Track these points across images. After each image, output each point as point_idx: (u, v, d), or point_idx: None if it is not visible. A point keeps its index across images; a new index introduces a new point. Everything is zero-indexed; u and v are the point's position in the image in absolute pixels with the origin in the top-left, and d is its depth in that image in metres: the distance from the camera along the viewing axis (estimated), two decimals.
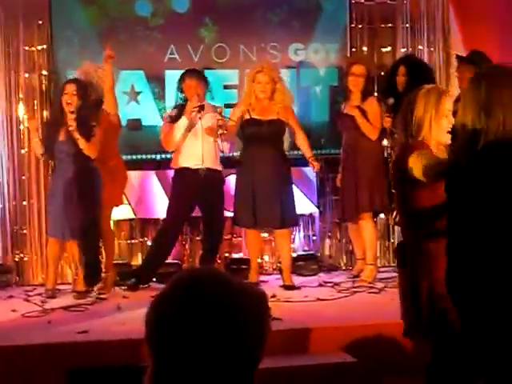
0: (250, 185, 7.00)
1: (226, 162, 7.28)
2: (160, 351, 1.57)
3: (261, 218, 7.00)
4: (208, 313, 1.55)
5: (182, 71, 7.26)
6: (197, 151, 7.00)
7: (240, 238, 7.94)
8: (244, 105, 7.12)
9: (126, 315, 6.05)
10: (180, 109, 7.09)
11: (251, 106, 7.06)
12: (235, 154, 7.31)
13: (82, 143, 6.60)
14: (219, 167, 7.18)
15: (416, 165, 3.96)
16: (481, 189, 3.31)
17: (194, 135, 7.03)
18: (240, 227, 7.52)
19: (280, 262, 7.44)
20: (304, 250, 8.08)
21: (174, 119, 7.06)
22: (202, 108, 6.99)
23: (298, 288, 7.04)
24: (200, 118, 7.00)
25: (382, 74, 7.95)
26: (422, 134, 4.12)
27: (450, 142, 4.12)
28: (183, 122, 7.03)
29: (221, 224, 7.33)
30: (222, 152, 7.05)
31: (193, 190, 7.02)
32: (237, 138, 7.23)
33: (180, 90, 7.16)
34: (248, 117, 7.06)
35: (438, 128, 4.13)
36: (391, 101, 7.13)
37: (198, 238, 7.82)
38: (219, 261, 7.77)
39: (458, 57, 7.08)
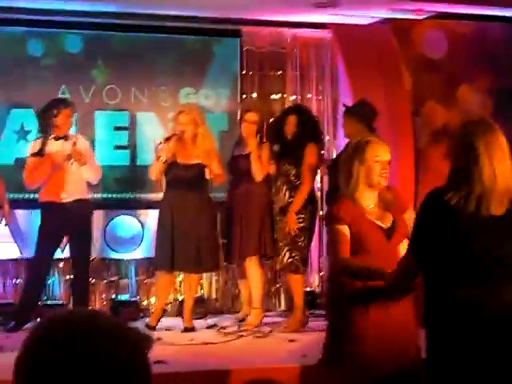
0: (169, 228, 6.97)
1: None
2: None
3: (178, 261, 6.97)
4: (72, 359, 1.49)
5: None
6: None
7: (127, 280, 7.90)
8: (168, 147, 6.98)
9: (8, 357, 5.90)
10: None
11: (174, 148, 6.99)
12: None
13: None
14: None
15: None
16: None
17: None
18: (156, 270, 7.41)
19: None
20: None
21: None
22: None
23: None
24: None
25: (271, 120, 8.05)
26: (350, 188, 4.16)
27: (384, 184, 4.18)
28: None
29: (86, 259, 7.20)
30: None
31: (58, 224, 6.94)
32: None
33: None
34: (170, 160, 6.99)
35: (367, 175, 4.14)
36: (276, 148, 7.27)
37: None
38: (104, 302, 7.74)
39: (344, 106, 7.26)
